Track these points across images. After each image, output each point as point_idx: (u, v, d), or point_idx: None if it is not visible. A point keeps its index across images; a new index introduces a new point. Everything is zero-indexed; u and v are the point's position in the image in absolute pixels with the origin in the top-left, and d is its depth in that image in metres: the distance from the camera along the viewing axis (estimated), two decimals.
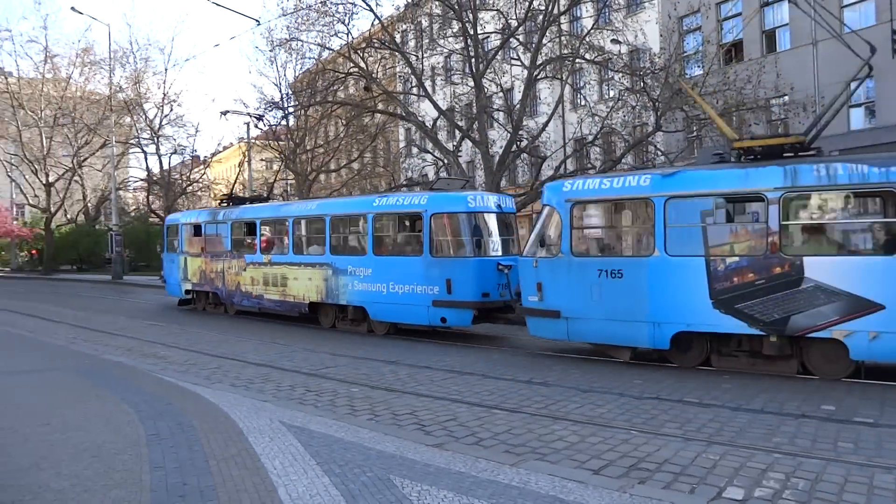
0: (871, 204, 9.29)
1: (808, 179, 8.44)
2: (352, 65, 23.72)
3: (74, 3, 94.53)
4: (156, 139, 38.18)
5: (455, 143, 23.83)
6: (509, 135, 21.36)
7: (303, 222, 16.02)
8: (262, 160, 43.72)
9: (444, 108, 23.76)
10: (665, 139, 22.05)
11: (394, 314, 13.46)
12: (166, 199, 37.58)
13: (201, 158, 41.90)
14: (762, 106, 20.54)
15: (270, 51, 31.29)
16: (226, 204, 19.90)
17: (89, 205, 45.98)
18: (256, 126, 28.64)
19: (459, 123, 24.53)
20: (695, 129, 21.25)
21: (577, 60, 21.52)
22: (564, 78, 22.93)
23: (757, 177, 8.82)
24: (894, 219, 8.58)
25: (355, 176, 34.15)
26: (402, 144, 37.13)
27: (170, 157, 39.07)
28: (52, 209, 42.09)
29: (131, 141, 41.41)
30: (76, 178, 42.87)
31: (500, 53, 22.30)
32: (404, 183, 30.23)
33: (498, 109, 25.01)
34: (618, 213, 10.71)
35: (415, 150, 32.84)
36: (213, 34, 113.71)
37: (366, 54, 24.00)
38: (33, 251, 45.80)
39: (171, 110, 39.48)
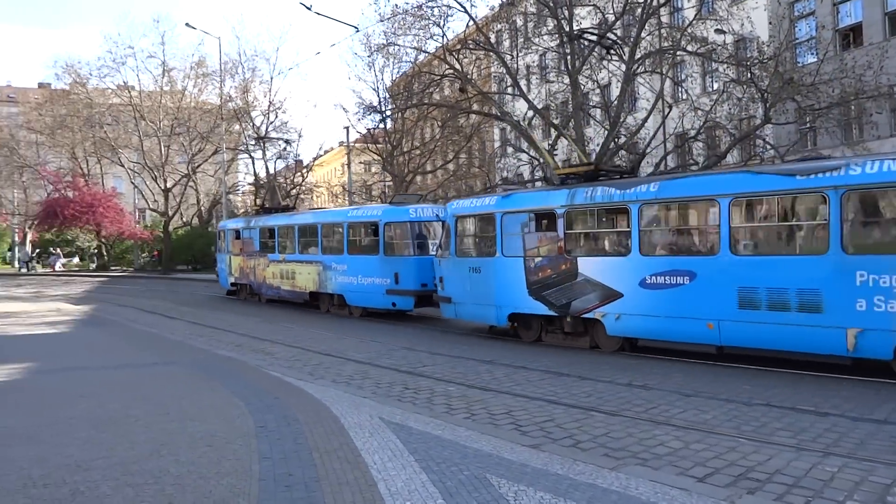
0: (617, 216, 11.42)
1: (580, 199, 11.18)
2: (447, 67, 23.92)
3: (188, 20, 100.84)
4: (262, 145, 40.00)
5: (550, 142, 23.53)
6: (606, 132, 20.86)
7: (304, 229, 19.60)
8: (360, 163, 44.87)
9: (539, 106, 23.50)
10: (775, 132, 20.86)
11: (362, 300, 16.99)
12: (272, 202, 39.23)
13: (304, 163, 43.47)
14: (885, 93, 19.01)
15: (368, 56, 32.19)
16: (261, 212, 23.89)
17: (202, 208, 48.66)
18: (286, 150, 32.85)
19: (555, 121, 24.20)
20: (808, 120, 19.95)
21: (679, 53, 20.70)
22: (664, 72, 22.13)
23: (552, 198, 11.73)
24: (627, 228, 10.50)
25: (451, 177, 34.38)
26: (497, 145, 37.09)
27: (275, 162, 40.82)
28: (170, 213, 44.97)
29: (240, 147, 43.58)
30: (191, 183, 45.59)
31: (596, 49, 21.82)
32: (499, 183, 30.23)
33: (595, 106, 24.50)
34: (480, 224, 13.45)
35: (510, 149, 32.75)
36: (315, 42, 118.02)
37: (461, 56, 24.15)
38: (154, 252, 48.94)
39: (276, 117, 41.21)
